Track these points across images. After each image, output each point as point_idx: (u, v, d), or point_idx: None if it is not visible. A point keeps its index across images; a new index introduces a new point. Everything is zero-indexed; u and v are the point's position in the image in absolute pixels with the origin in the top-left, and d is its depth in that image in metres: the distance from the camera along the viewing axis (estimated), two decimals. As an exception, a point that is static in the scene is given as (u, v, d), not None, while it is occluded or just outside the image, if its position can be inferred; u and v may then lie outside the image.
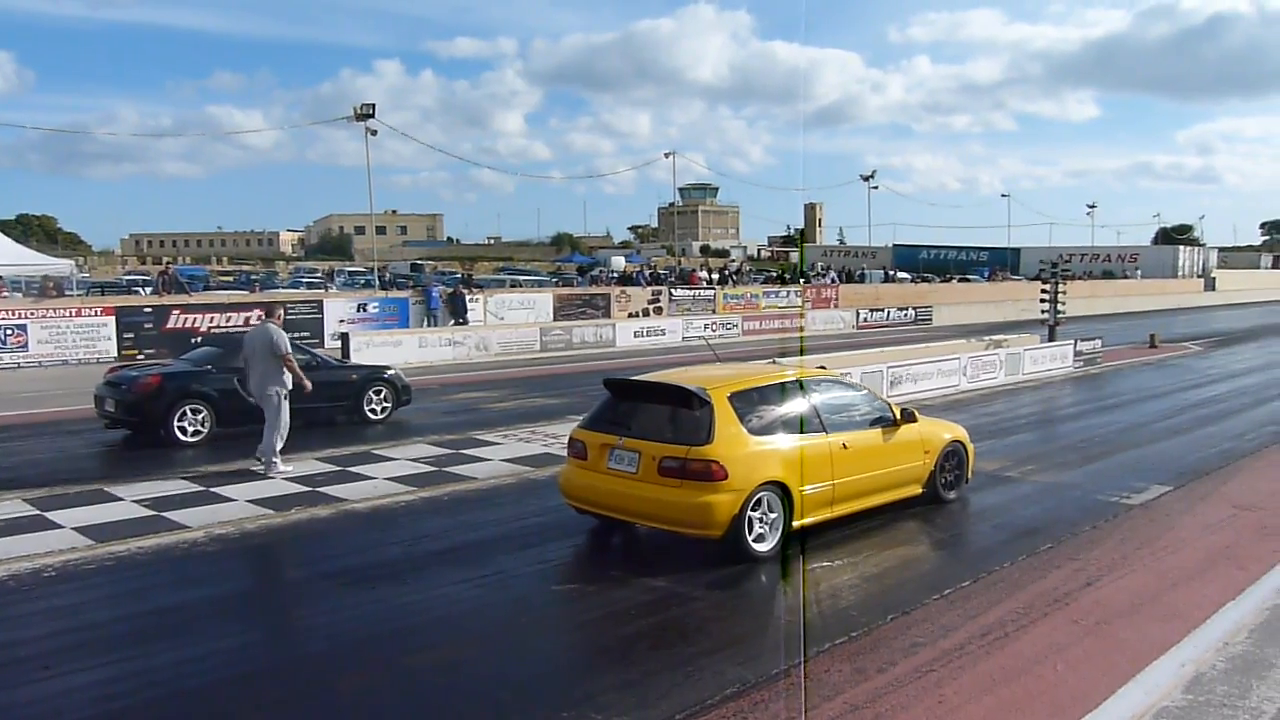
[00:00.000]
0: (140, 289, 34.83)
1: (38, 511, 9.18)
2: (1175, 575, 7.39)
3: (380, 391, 14.83)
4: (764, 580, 7.40)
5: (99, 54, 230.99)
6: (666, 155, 59.75)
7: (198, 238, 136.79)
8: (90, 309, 23.89)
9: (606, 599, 7.10)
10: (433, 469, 11.20)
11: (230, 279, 50.02)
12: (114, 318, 23.79)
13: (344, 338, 23.84)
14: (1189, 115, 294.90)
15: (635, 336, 31.00)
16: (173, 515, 9.02)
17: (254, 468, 11.10)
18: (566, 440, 8.82)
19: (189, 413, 12.85)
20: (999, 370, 19.99)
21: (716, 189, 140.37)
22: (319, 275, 54.76)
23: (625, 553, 8.44)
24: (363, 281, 46.48)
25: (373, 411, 14.65)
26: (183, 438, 12.74)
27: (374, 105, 33.83)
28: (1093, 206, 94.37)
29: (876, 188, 71.91)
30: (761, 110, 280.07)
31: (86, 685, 5.52)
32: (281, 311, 12.20)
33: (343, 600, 7.06)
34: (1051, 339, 23.59)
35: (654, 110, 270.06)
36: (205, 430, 12.93)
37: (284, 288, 43.07)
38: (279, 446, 11.07)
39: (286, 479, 10.57)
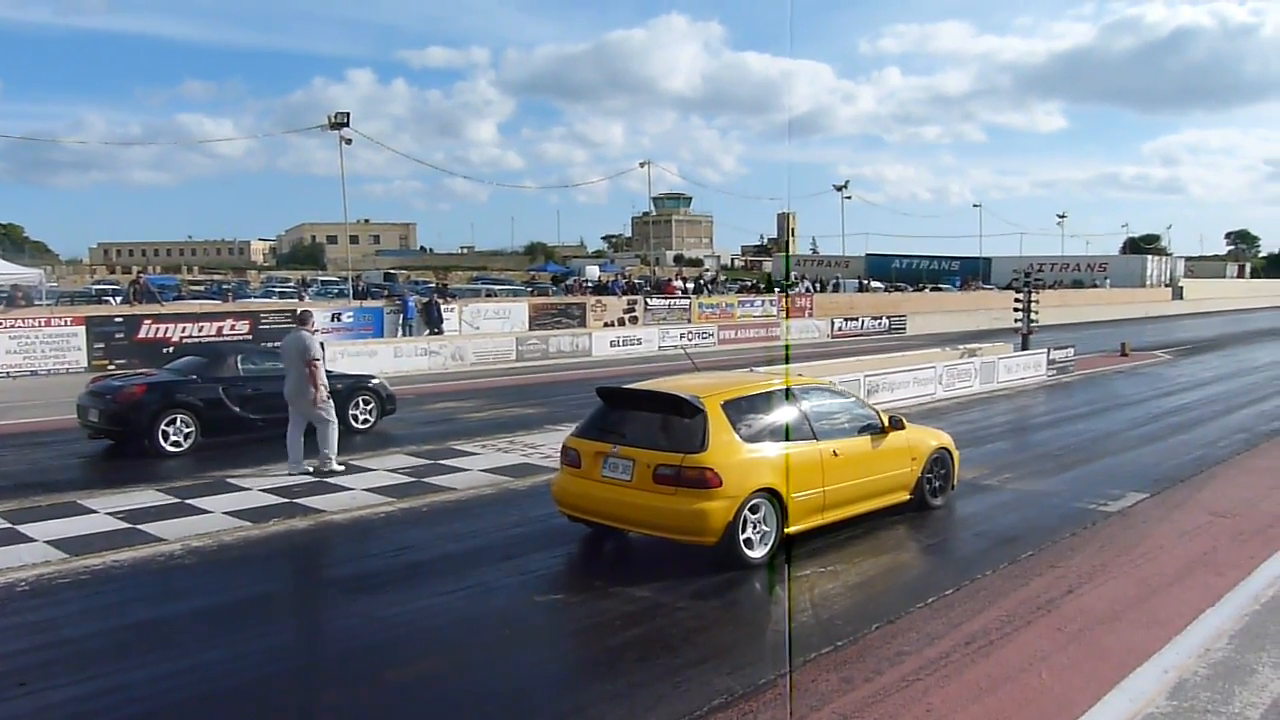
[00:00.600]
0: (110, 299, 34.44)
1: (9, 525, 9.02)
2: (1155, 582, 7.45)
3: (366, 401, 14.77)
4: (749, 590, 7.39)
5: (67, 61, 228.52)
6: (641, 165, 59.75)
7: (168, 247, 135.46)
8: (60, 319, 23.60)
9: (591, 610, 7.08)
10: (411, 480, 11.12)
11: (202, 289, 49.62)
12: (84, 328, 23.49)
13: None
14: (1154, 127, 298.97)
15: (611, 346, 31.01)
16: (148, 528, 8.89)
17: (292, 469, 11.38)
18: (558, 449, 8.80)
19: (174, 423, 12.72)
20: (974, 379, 20.14)
21: (690, 198, 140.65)
22: (292, 285, 54.33)
23: (608, 563, 8.40)
24: (336, 291, 46.21)
25: (356, 419, 14.54)
26: (167, 448, 12.60)
27: (348, 114, 33.71)
28: (1063, 216, 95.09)
29: (849, 198, 72.58)
30: (734, 120, 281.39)
31: (63, 702, 5.42)
32: (313, 319, 12.39)
33: (323, 613, 6.99)
34: (1025, 348, 23.79)
35: (627, 120, 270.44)
36: (190, 440, 12.80)
37: (256, 297, 42.78)
38: (334, 442, 11.51)
39: (263, 490, 10.45)
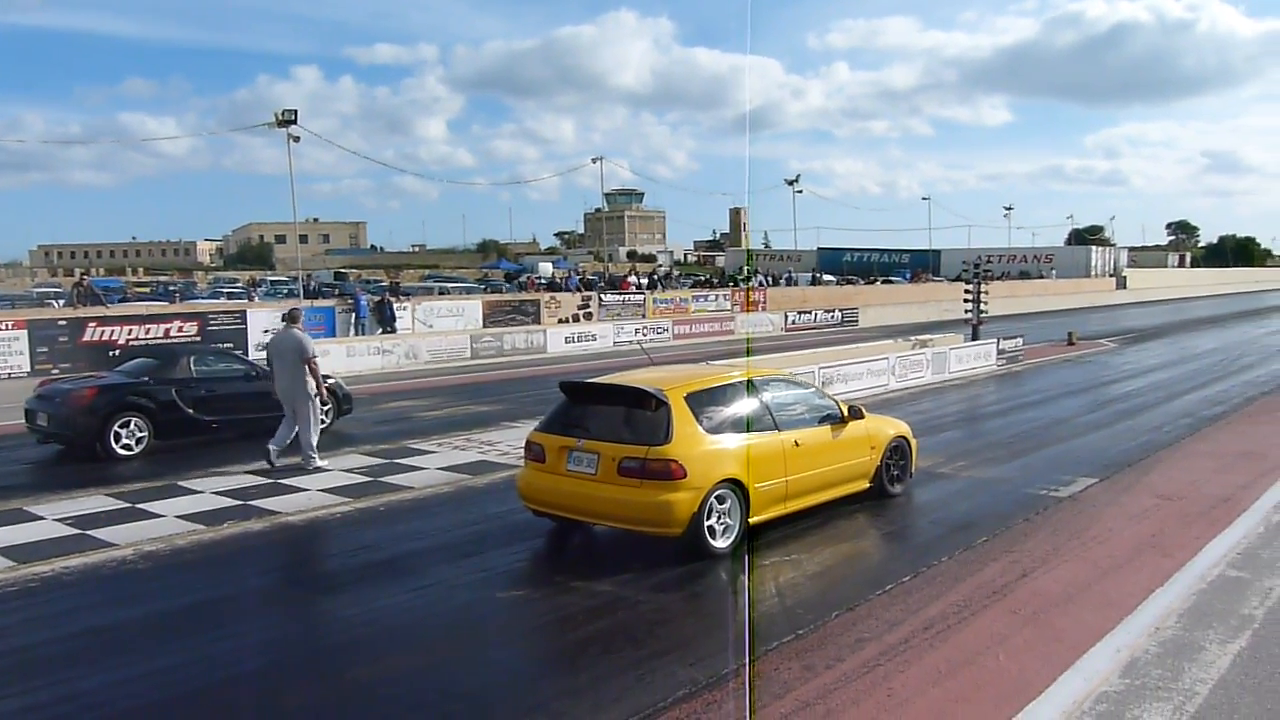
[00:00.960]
0: (53, 301, 33.65)
1: (-47, 533, 8.78)
2: (1106, 564, 7.61)
3: (323, 401, 14.44)
4: (709, 581, 7.42)
5: (2, 59, 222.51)
6: (594, 161, 59.84)
7: (111, 248, 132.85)
8: (1, 323, 22.99)
9: (552, 605, 7.08)
10: (367, 479, 11.01)
11: (147, 290, 48.67)
12: (26, 331, 22.88)
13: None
14: (1096, 120, 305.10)
15: (567, 342, 30.93)
16: (99, 533, 8.71)
17: (265, 463, 11.50)
18: (515, 446, 8.77)
19: (126, 425, 12.48)
20: (926, 369, 20.40)
21: (642, 194, 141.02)
22: (240, 285, 53.50)
23: (570, 558, 8.40)
24: (286, 291, 45.57)
25: None
26: (119, 451, 12.36)
27: (295, 111, 33.15)
28: (1009, 209, 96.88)
29: (800, 192, 73.12)
30: (684, 116, 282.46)
31: (15, 712, 5.30)
32: (302, 316, 12.52)
33: (282, 615, 6.91)
34: (975, 338, 24.18)
35: (577, 116, 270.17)
36: (143, 444, 12.57)
37: (204, 298, 42.04)
38: (315, 442, 11.63)
39: (215, 493, 10.29)
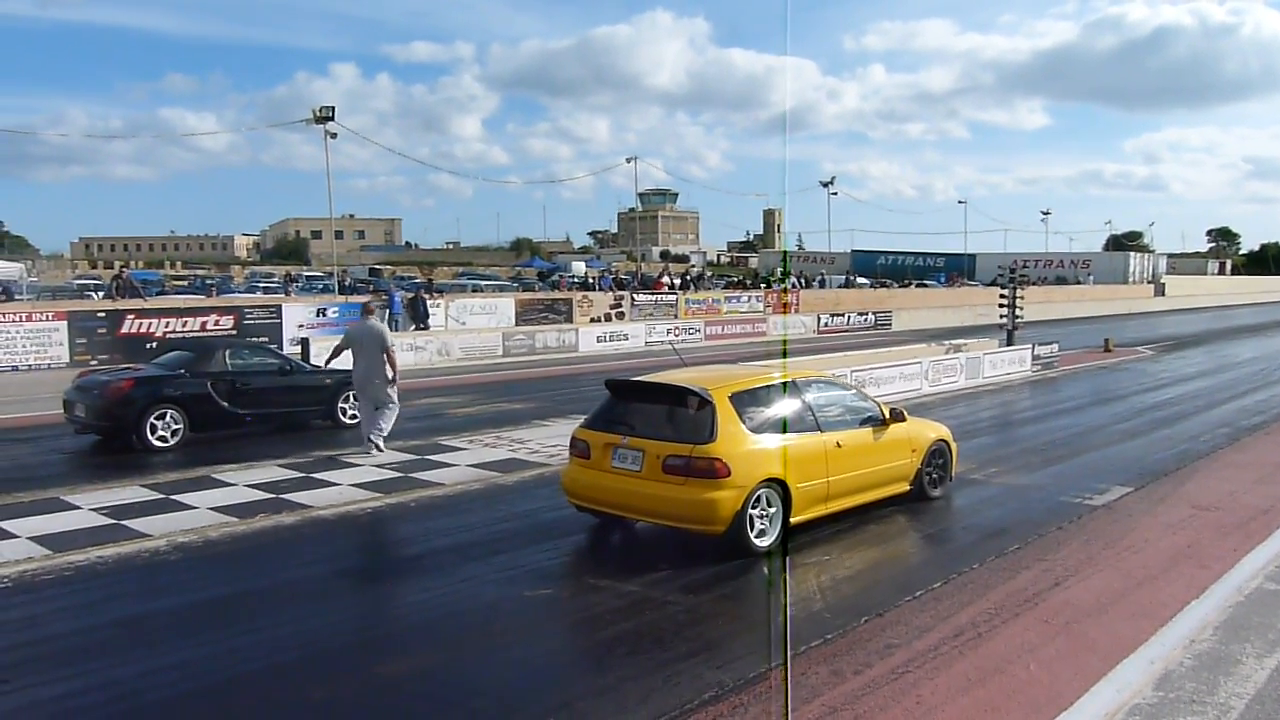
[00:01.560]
0: (93, 294, 34.17)
1: (-8, 521, 8.93)
2: (1140, 574, 7.50)
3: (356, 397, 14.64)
4: (739, 584, 7.39)
5: (47, 54, 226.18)
6: (628, 161, 59.89)
7: (150, 241, 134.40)
8: (41, 314, 23.35)
9: (580, 605, 7.09)
10: (399, 475, 11.08)
11: (185, 283, 49.31)
12: (66, 323, 23.26)
13: (304, 343, 23.52)
14: (1135, 125, 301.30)
15: (598, 342, 30.97)
16: (133, 524, 8.82)
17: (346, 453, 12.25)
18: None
19: (163, 417, 12.63)
20: (959, 374, 20.22)
21: (676, 194, 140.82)
22: (276, 280, 54.05)
23: (598, 558, 8.41)
24: (321, 286, 45.98)
25: (345, 414, 14.48)
26: (155, 443, 12.51)
27: (333, 108, 33.51)
28: (1047, 213, 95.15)
29: (835, 194, 72.59)
30: (719, 116, 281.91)
31: (49, 699, 5.38)
32: (377, 307, 13.16)
33: (312, 609, 6.95)
34: (1010, 343, 23.90)
35: (612, 116, 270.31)
36: (178, 436, 12.72)
37: (240, 292, 42.54)
38: (387, 431, 12.42)
39: (249, 486, 10.38)
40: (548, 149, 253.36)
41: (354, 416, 14.43)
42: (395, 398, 12.52)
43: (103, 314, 24.27)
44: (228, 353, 13.99)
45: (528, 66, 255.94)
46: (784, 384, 8.71)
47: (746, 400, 8.18)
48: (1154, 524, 9.08)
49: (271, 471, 11.15)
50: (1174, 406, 17.55)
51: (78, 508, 9.44)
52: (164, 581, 7.52)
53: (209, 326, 25.10)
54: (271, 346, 15.45)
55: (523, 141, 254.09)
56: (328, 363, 14.17)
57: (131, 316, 24.26)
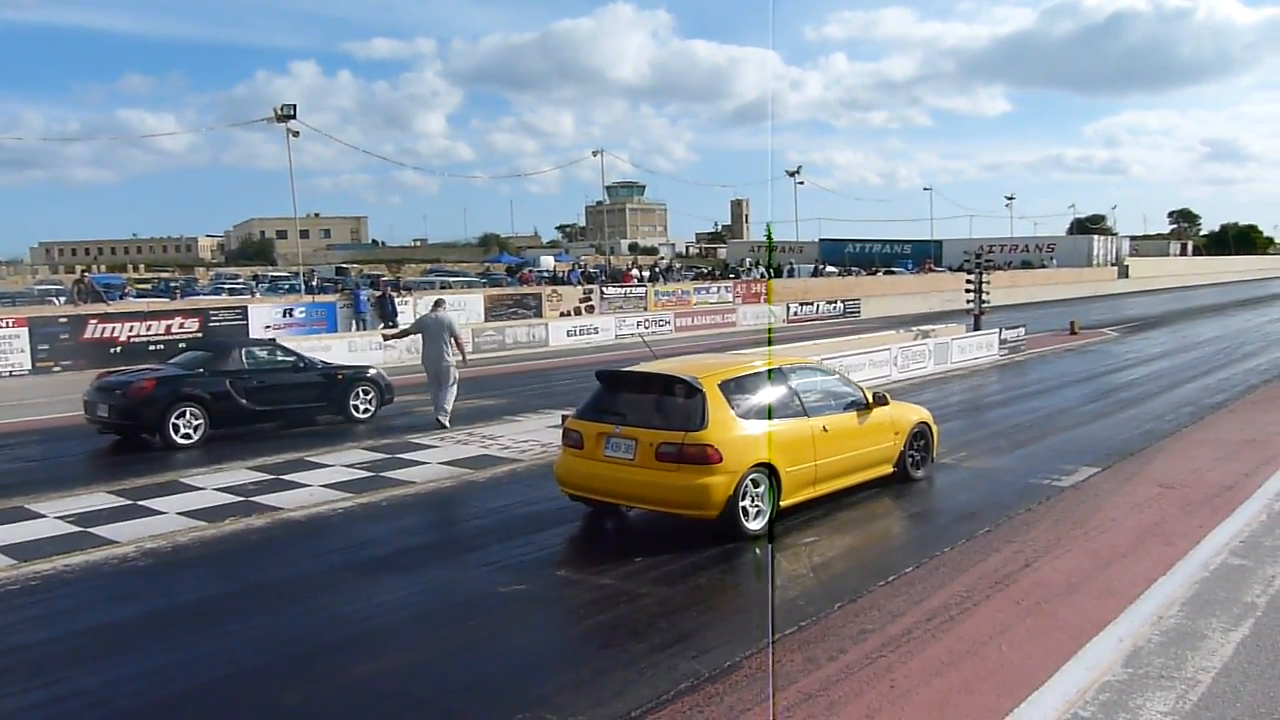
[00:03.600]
0: (54, 299, 33.62)
1: (-46, 532, 8.78)
2: (1108, 554, 7.60)
3: (366, 391, 15.06)
4: (711, 574, 7.41)
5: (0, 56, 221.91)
6: (594, 154, 59.82)
7: (112, 245, 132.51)
8: (1, 320, 22.97)
9: (554, 599, 7.09)
10: (369, 474, 11.00)
11: (149, 287, 48.66)
12: (27, 329, 22.87)
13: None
14: (1095, 109, 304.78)
15: (568, 335, 30.91)
16: (100, 530, 8.71)
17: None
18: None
19: (184, 415, 12.92)
20: (928, 359, 20.37)
21: (643, 187, 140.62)
22: (241, 281, 53.46)
23: (572, 552, 8.40)
24: (287, 287, 45.53)
25: (358, 409, 14.87)
26: (179, 440, 12.82)
27: (295, 106, 33.19)
28: (1011, 198, 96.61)
29: (802, 183, 72.72)
30: (683, 108, 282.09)
31: (17, 710, 5.29)
32: (445, 302, 16.26)
33: (283, 612, 6.89)
34: (977, 328, 24.11)
35: (576, 109, 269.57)
36: (200, 433, 13.03)
37: (205, 294, 42.04)
38: (450, 408, 14.19)
39: (217, 489, 10.27)
40: (513, 144, 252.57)
41: (366, 411, 14.99)
42: (456, 377, 14.19)
43: (65, 319, 23.90)
44: (244, 351, 14.37)
45: (490, 61, 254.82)
46: (770, 371, 8.86)
47: (735, 388, 8.32)
48: (1121, 503, 9.20)
49: (239, 474, 11.03)
50: (1139, 387, 17.78)
51: (42, 516, 9.30)
52: (133, 588, 7.43)
53: (173, 330, 24.77)
54: (284, 344, 15.64)
55: (487, 137, 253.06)
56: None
57: (94, 321, 23.90)
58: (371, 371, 15.60)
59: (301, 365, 14.62)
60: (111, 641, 6.36)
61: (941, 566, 7.38)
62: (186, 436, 12.90)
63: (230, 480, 10.73)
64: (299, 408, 14.40)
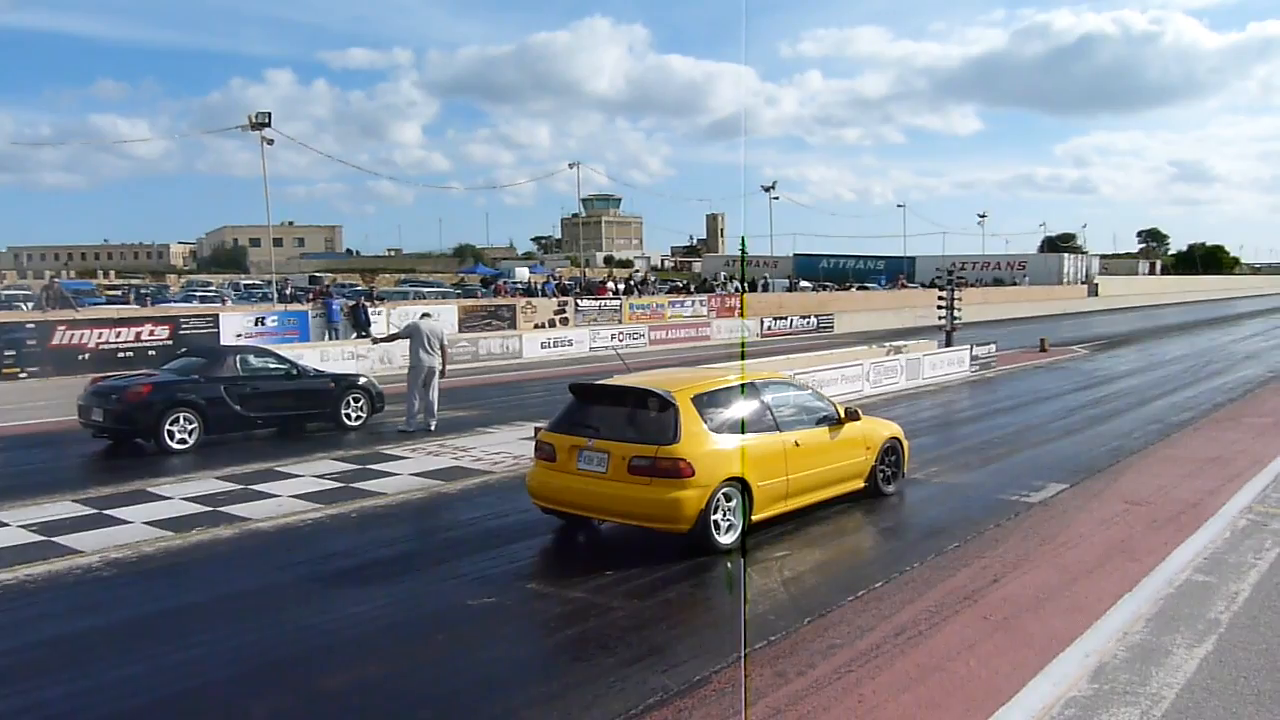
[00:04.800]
0: (22, 304, 33.18)
1: (-86, 541, 8.62)
2: (1075, 570, 7.66)
3: (356, 399, 15.28)
4: (681, 588, 7.40)
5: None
6: (570, 166, 59.76)
7: (82, 250, 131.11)
8: (-34, 326, 22.65)
9: (524, 612, 7.05)
10: (339, 485, 10.92)
11: (119, 293, 48.10)
12: (-8, 335, 22.58)
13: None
14: (1065, 129, 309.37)
15: (542, 348, 30.85)
16: (64, 540, 8.59)
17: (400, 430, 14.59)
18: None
19: (178, 421, 12.98)
20: (900, 375, 20.50)
21: (619, 199, 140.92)
22: (213, 289, 52.98)
23: (542, 565, 8.36)
24: (260, 295, 45.17)
25: (350, 417, 15.11)
26: (174, 446, 12.87)
27: (269, 114, 33.02)
28: (983, 216, 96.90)
29: (777, 198, 73.12)
30: (659, 122, 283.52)
31: (-25, 723, 5.21)
32: (434, 312, 16.98)
33: (250, 623, 6.82)
34: (949, 344, 24.29)
35: (552, 122, 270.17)
36: (194, 438, 13.10)
37: (177, 301, 41.63)
38: (436, 411, 14.95)
39: (185, 499, 10.16)
40: (489, 155, 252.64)
41: (358, 418, 15.23)
42: (439, 385, 14.93)
43: (32, 325, 23.61)
44: (238, 358, 14.42)
45: (467, 73, 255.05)
46: (743, 385, 8.87)
47: (707, 402, 8.33)
48: (1088, 520, 9.28)
49: (207, 484, 10.93)
50: (1107, 404, 17.97)
51: (4, 524, 9.16)
52: (97, 599, 7.32)
53: (144, 337, 24.53)
54: (278, 352, 15.70)
55: (463, 148, 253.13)
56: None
57: (63, 328, 23.60)
58: (362, 380, 15.84)
59: (295, 373, 14.78)
60: (73, 653, 6.25)
61: (911, 582, 7.41)
62: (182, 442, 12.96)
63: (198, 490, 10.62)
64: (292, 414, 14.58)
